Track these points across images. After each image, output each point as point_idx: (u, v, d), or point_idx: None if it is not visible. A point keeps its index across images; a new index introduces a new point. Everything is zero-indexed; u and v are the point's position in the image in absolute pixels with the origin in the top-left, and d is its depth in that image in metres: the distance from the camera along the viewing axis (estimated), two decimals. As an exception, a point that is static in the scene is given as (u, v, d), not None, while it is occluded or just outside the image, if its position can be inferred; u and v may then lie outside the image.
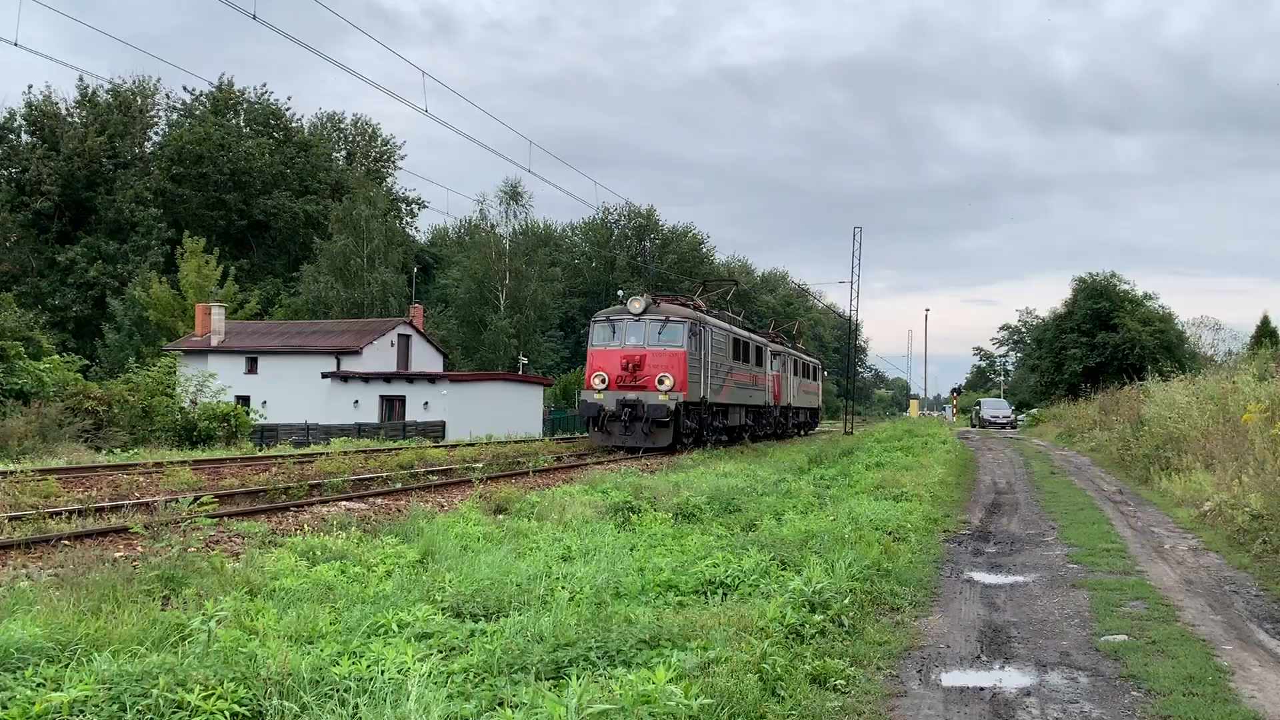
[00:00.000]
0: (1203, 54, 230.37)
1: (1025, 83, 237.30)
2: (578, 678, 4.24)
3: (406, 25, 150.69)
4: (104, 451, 22.85)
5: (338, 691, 4.23)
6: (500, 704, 4.15)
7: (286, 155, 71.86)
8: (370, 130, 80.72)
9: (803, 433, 44.23)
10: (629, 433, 23.23)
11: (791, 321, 66.44)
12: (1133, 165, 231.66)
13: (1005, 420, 57.98)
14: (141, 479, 14.58)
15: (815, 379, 48.11)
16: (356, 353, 45.60)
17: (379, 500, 12.89)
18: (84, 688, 4.10)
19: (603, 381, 23.66)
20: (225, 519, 10.36)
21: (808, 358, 47.22)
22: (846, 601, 6.69)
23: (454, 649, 5.14)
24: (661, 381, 23.10)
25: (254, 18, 15.26)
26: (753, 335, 33.24)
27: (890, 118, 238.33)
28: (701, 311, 26.60)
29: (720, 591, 6.75)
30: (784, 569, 7.46)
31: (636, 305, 24.00)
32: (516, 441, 27.58)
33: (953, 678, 5.64)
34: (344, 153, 79.47)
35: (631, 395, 23.26)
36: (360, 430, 36.85)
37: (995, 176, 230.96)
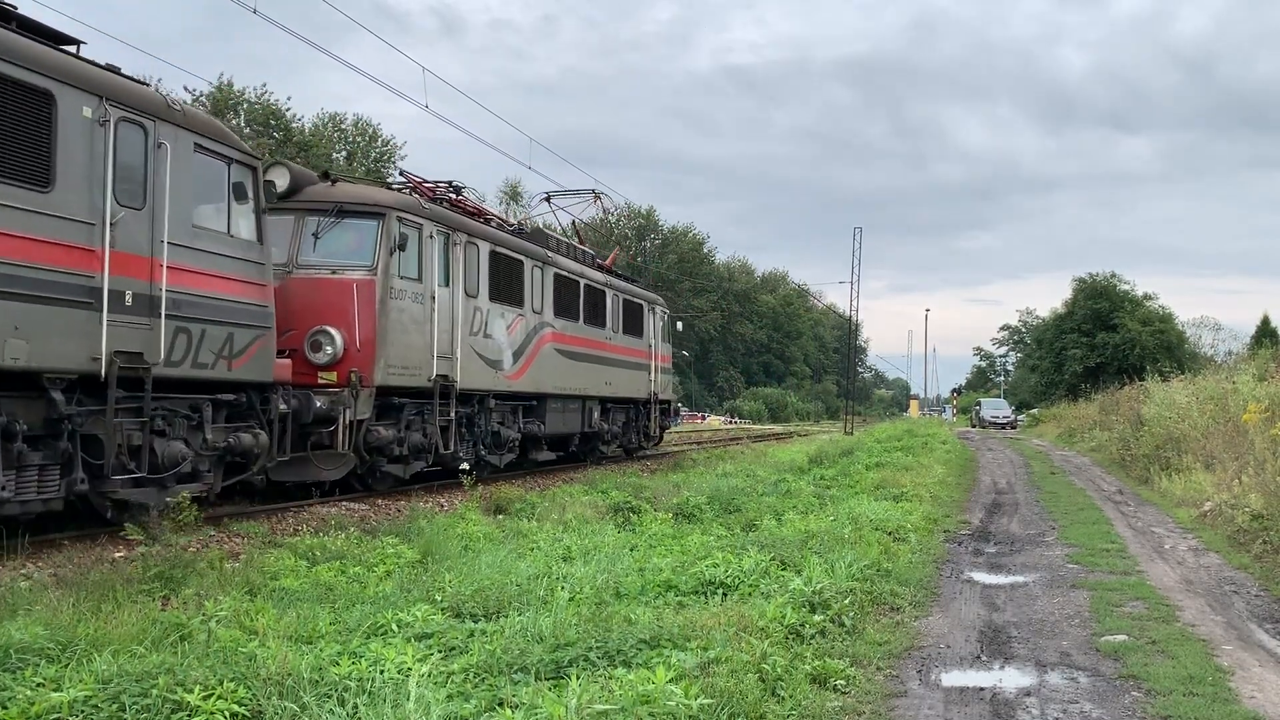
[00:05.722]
0: (1212, 53, 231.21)
1: (1033, 82, 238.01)
2: (578, 678, 4.24)
3: (411, 24, 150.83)
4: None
5: (337, 691, 4.23)
6: (500, 704, 4.15)
7: (287, 155, 71.96)
8: (371, 130, 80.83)
9: (599, 460, 20.61)
10: None
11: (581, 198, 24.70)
12: (1138, 165, 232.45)
13: (1005, 420, 57.93)
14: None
15: (641, 333, 22.52)
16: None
17: (379, 500, 12.88)
18: (84, 688, 4.10)
19: None
20: (225, 519, 10.36)
21: (608, 278, 20.85)
22: (846, 601, 6.68)
23: (454, 649, 5.13)
24: None
25: (254, 12, 15.17)
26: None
27: (896, 117, 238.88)
28: None
29: (720, 591, 6.75)
30: (784, 569, 7.46)
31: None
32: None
33: (953, 678, 5.64)
34: (344, 153, 79.50)
35: None
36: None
37: (1001, 176, 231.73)
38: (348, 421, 11.64)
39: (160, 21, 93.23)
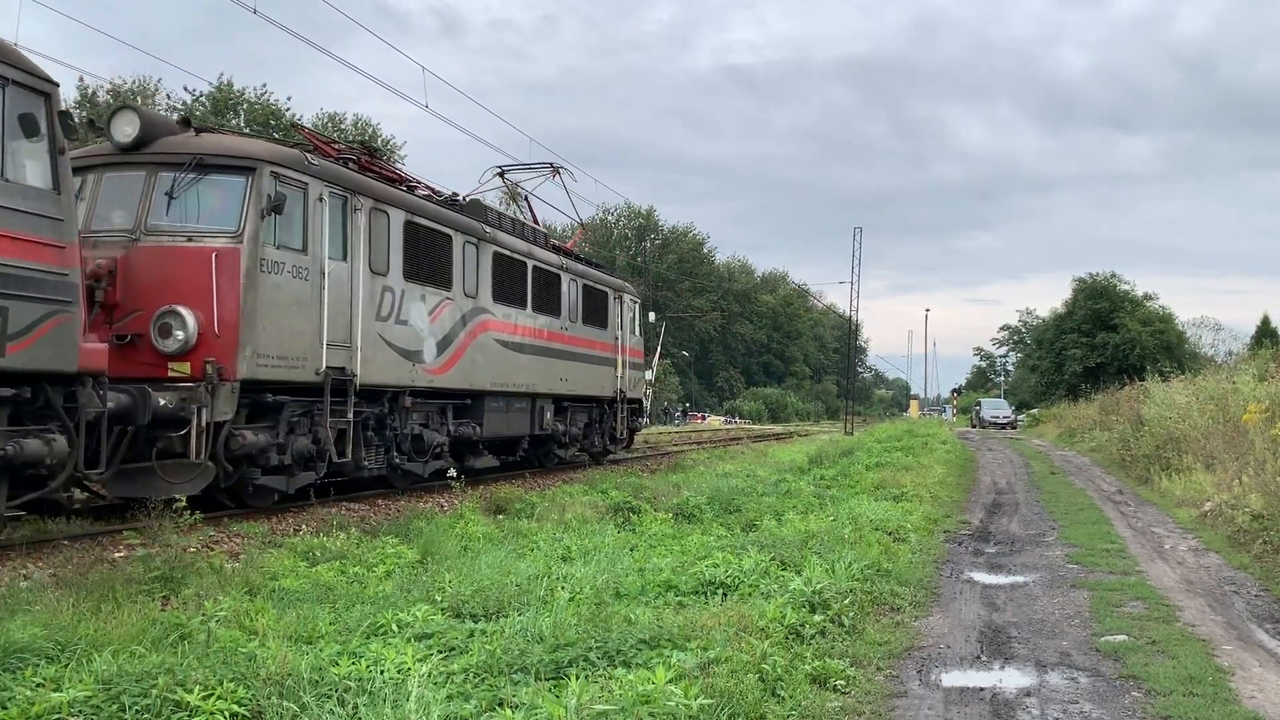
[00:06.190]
0: (1212, 53, 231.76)
1: (1033, 82, 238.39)
2: (578, 678, 4.24)
3: (411, 24, 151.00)
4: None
5: (337, 692, 4.23)
6: (500, 704, 4.15)
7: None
8: (370, 130, 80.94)
9: (555, 465, 18.79)
10: None
11: None
12: (1138, 165, 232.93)
13: (1005, 420, 57.92)
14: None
15: (605, 323, 20.41)
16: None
17: (379, 500, 12.89)
18: (84, 688, 4.10)
19: None
20: (224, 519, 10.36)
21: (565, 261, 18.75)
22: (847, 601, 6.68)
23: (454, 649, 5.13)
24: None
25: (254, 12, 15.18)
26: None
27: (896, 117, 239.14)
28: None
29: (720, 591, 6.75)
30: (784, 569, 7.46)
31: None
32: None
33: (953, 678, 5.64)
34: (344, 153, 79.54)
35: None
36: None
37: (1001, 176, 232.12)
38: (203, 423, 9.37)
39: (160, 21, 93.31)
